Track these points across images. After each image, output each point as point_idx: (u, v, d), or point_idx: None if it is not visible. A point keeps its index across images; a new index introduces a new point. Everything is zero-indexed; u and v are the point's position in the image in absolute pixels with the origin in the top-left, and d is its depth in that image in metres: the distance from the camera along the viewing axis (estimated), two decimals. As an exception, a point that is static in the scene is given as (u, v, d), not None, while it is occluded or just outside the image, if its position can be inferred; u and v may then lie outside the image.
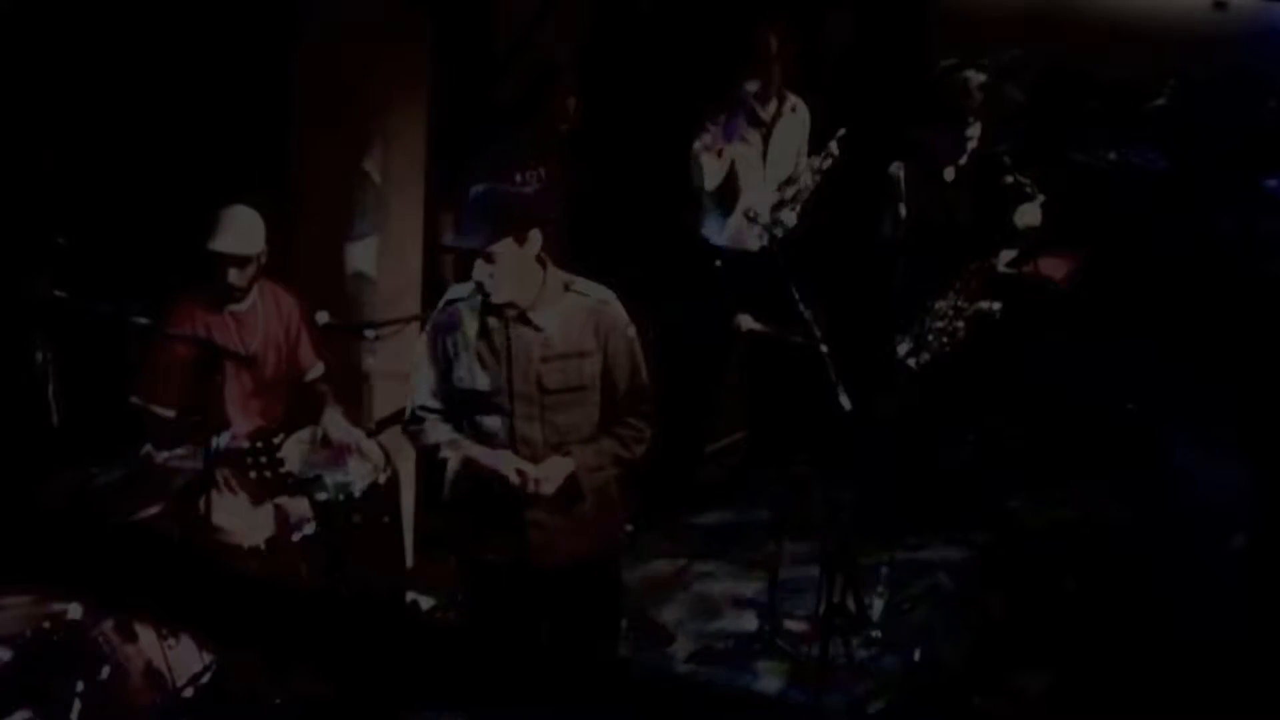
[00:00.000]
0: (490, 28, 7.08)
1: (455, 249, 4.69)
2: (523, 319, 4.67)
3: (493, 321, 4.68)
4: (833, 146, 6.62)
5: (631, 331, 4.80)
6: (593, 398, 4.76)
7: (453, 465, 4.81)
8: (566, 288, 4.72)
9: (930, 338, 6.36)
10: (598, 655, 4.98)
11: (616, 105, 7.11)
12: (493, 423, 4.72)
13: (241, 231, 5.43)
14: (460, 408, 4.77)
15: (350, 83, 5.93)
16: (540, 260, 4.68)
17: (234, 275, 5.45)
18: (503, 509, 4.76)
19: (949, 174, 6.47)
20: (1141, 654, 5.61)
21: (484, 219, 4.62)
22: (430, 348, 4.78)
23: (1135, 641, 5.70)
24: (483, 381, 4.69)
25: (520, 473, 4.66)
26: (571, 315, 4.71)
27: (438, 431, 4.80)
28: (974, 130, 6.37)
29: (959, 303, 6.40)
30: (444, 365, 4.74)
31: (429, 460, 5.03)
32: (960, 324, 6.41)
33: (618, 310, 4.79)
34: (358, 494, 5.50)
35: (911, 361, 6.37)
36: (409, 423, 4.89)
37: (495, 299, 4.63)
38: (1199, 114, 7.37)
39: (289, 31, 6.02)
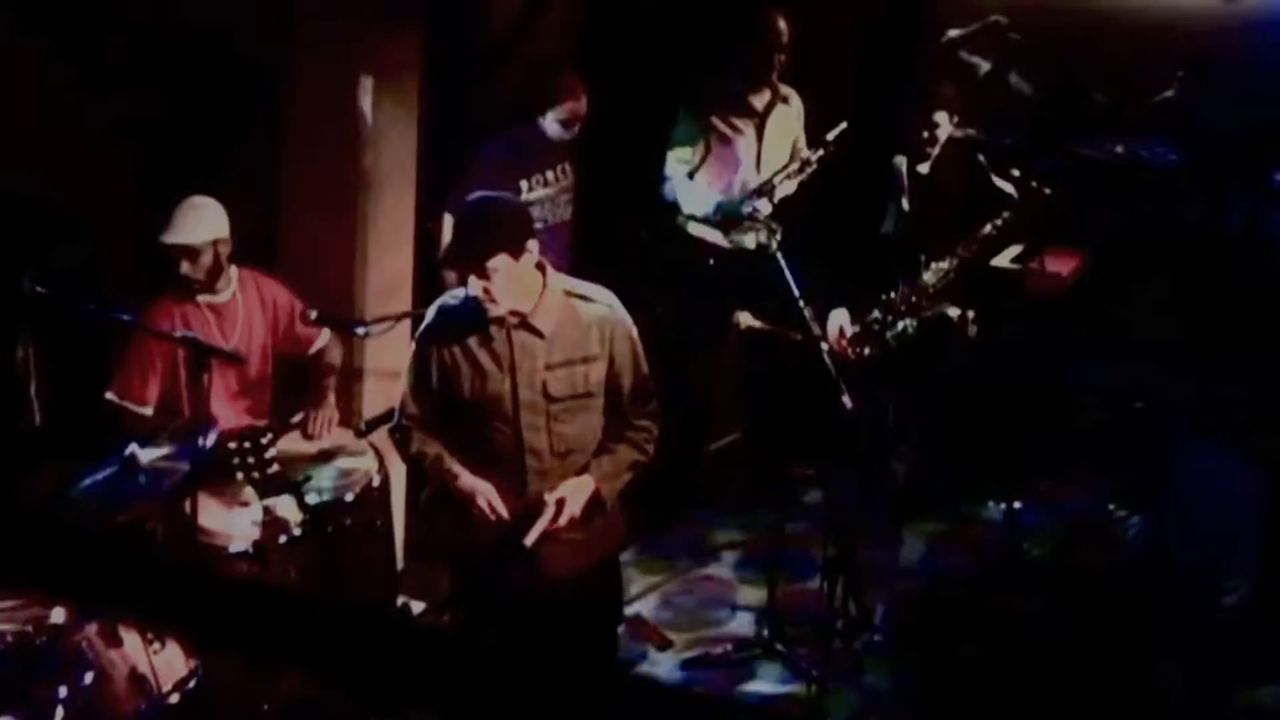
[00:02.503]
0: (485, 22, 7.00)
1: (451, 265, 4.62)
2: (525, 325, 4.59)
3: (493, 330, 4.59)
4: (829, 140, 6.48)
5: (634, 333, 4.74)
6: (598, 404, 4.69)
7: (434, 480, 4.78)
8: (567, 293, 4.65)
9: (875, 328, 6.09)
10: (596, 662, 4.92)
11: (616, 100, 7.01)
12: (496, 435, 4.64)
13: (189, 222, 5.37)
14: (460, 419, 4.69)
15: (341, 77, 5.86)
16: (539, 267, 4.61)
17: (185, 267, 5.40)
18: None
19: (923, 168, 6.31)
20: (1142, 656, 5.55)
21: (478, 232, 4.54)
22: (424, 356, 4.69)
23: (1136, 643, 5.63)
24: (486, 391, 4.60)
25: (493, 507, 4.63)
26: (574, 321, 4.63)
27: (423, 443, 4.75)
28: (941, 119, 6.22)
29: (915, 300, 6.14)
30: (439, 374, 4.65)
31: (416, 468, 5.00)
32: (910, 323, 6.12)
33: (620, 313, 4.72)
34: (348, 496, 5.41)
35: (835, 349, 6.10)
36: (395, 429, 4.84)
37: (494, 313, 4.55)
38: (1208, 107, 7.31)
39: (280, 27, 5.94)
